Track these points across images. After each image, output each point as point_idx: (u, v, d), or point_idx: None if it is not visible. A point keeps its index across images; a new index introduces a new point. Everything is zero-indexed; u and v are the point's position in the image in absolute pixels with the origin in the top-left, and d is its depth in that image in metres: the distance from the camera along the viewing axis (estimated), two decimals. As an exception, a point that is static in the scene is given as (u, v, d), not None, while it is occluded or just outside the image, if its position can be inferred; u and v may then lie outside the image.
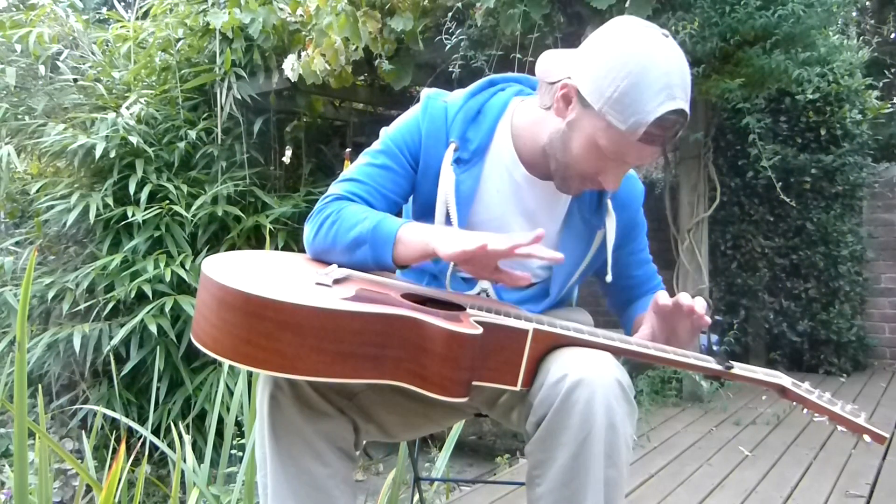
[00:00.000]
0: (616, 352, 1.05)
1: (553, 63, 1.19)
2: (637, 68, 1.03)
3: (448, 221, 1.21)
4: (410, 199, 1.30)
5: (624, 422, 0.97)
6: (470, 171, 1.22)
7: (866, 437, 1.06)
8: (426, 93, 1.27)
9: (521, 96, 1.28)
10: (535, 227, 1.22)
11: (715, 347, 1.26)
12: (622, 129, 1.05)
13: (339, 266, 1.14)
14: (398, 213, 1.32)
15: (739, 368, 1.08)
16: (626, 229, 1.31)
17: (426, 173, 1.23)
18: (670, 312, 1.12)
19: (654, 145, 1.07)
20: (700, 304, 1.10)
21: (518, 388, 1.01)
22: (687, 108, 1.06)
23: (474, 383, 0.98)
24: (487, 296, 1.26)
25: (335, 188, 1.21)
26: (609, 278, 1.27)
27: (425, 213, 1.25)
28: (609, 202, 1.26)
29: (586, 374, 0.95)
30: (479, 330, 0.95)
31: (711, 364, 1.07)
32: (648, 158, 1.11)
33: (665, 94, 1.03)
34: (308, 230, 1.19)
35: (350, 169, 1.24)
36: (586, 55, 1.10)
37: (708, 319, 1.11)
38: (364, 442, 1.19)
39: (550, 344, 1.02)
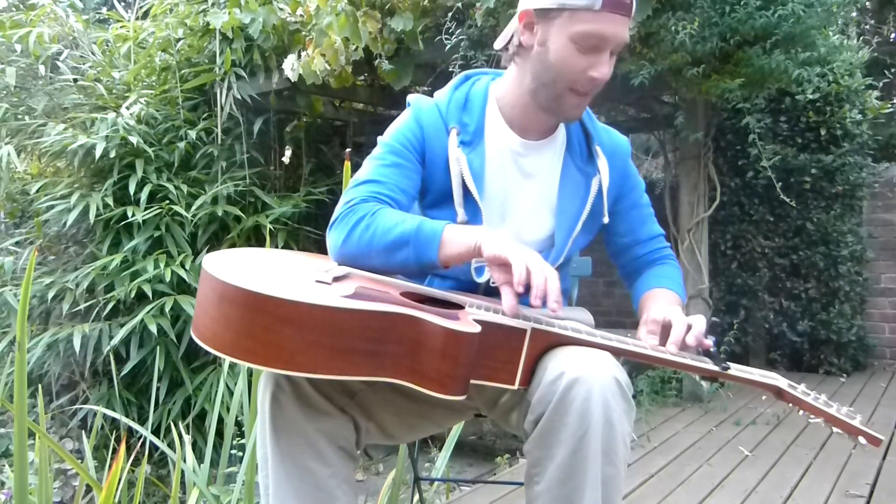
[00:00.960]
0: (614, 351, 1.05)
1: (503, 33, 1.30)
2: None
3: (468, 197, 1.25)
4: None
5: (621, 419, 0.97)
6: (476, 150, 1.27)
7: (862, 440, 1.06)
8: (413, 97, 1.33)
9: (495, 81, 1.36)
10: (538, 189, 1.31)
11: (712, 349, 1.26)
12: (583, 4, 1.14)
13: (374, 270, 1.15)
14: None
15: (736, 370, 1.08)
16: (621, 178, 1.37)
17: (435, 163, 1.27)
18: (665, 328, 1.14)
19: (619, 12, 1.15)
20: (697, 329, 1.10)
21: (516, 386, 1.01)
22: None
23: (472, 381, 0.98)
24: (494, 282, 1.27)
25: (354, 192, 1.21)
26: (605, 220, 1.34)
27: (437, 202, 1.27)
28: (598, 148, 1.34)
29: (583, 372, 0.96)
30: (478, 328, 0.95)
31: (708, 365, 1.08)
32: (623, 30, 1.18)
33: None
34: (335, 236, 1.18)
35: (362, 172, 1.25)
36: None
37: (708, 342, 1.12)
38: (365, 442, 1.19)
39: (548, 343, 1.03)
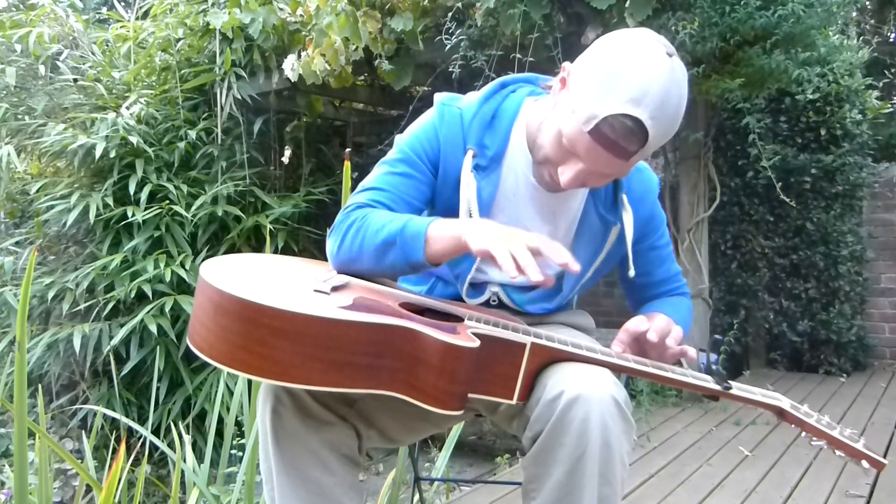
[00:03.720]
0: (613, 368, 1.03)
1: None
2: (618, 65, 1.01)
3: None
4: None
5: (619, 440, 0.96)
6: (489, 177, 1.21)
7: (864, 463, 1.04)
8: (439, 98, 1.25)
9: (533, 97, 1.27)
10: (551, 227, 1.24)
11: (714, 367, 1.25)
12: (577, 115, 1.04)
13: (369, 275, 1.13)
14: None
15: (737, 389, 1.07)
16: (643, 222, 1.28)
17: (446, 180, 1.21)
18: (642, 335, 1.11)
19: (603, 147, 1.03)
20: (674, 338, 1.10)
21: (514, 401, 1.00)
22: (649, 127, 1.00)
23: (470, 395, 0.97)
24: (498, 298, 1.25)
25: (355, 198, 1.19)
26: (632, 273, 1.25)
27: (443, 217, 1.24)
28: (624, 197, 1.24)
29: (583, 392, 0.95)
30: (477, 343, 0.93)
31: (709, 384, 1.06)
32: (598, 163, 1.06)
33: (630, 99, 0.99)
34: (332, 243, 1.17)
35: (369, 178, 1.22)
36: (592, 45, 1.10)
37: (689, 351, 1.11)
38: (366, 447, 1.18)
39: (548, 358, 1.01)
